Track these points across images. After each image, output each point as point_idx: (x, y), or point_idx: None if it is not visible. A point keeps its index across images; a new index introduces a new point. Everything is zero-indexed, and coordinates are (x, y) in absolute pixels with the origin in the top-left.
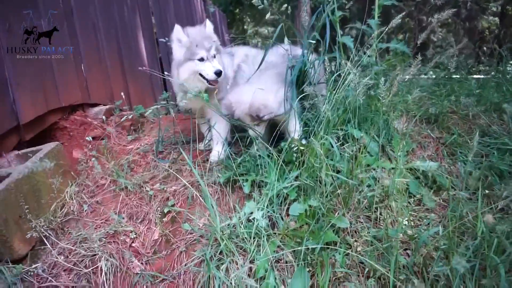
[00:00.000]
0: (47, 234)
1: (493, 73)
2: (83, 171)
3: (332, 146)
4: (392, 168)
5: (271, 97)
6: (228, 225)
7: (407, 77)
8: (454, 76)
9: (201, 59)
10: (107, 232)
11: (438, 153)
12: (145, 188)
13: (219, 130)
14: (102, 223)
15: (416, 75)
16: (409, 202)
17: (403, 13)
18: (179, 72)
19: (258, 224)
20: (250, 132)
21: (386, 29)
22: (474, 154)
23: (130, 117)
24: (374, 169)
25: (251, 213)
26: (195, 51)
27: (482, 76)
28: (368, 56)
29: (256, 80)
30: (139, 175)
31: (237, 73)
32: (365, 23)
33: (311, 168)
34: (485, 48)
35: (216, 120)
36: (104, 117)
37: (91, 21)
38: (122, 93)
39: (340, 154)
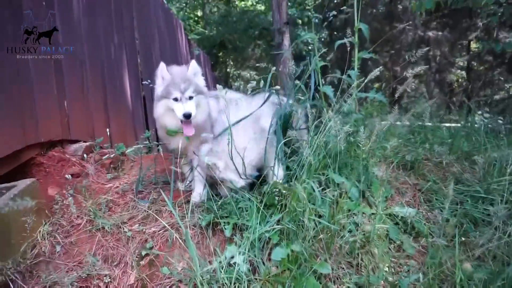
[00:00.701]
0: (14, 278)
1: (462, 122)
2: (58, 209)
3: (314, 191)
4: (372, 214)
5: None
6: (208, 270)
7: (385, 123)
8: (427, 124)
9: (175, 99)
10: (80, 276)
11: (416, 199)
12: (123, 228)
13: (201, 171)
14: (75, 265)
15: (392, 123)
16: (389, 248)
17: (380, 68)
18: (156, 107)
19: (239, 269)
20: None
21: (365, 81)
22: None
23: (111, 156)
24: (355, 214)
25: (232, 257)
26: (170, 90)
27: (453, 124)
28: (348, 104)
29: (235, 133)
30: (117, 215)
31: (216, 122)
32: (345, 73)
33: (293, 212)
34: (454, 99)
35: (198, 161)
36: (84, 154)
37: (78, 58)
38: (107, 130)
39: (322, 198)
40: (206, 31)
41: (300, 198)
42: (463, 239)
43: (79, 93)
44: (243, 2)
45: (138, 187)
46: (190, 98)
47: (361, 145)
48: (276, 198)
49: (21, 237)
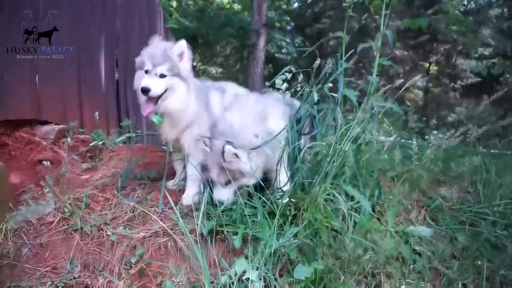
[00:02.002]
0: None
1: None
2: (24, 202)
3: (333, 202)
4: (384, 231)
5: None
6: (216, 284)
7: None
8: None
9: (146, 72)
10: (55, 284)
11: (420, 217)
12: (106, 231)
13: (197, 168)
14: (47, 271)
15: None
16: (404, 268)
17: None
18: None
19: (253, 286)
20: (215, 194)
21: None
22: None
23: (98, 144)
24: (370, 231)
25: (244, 272)
26: (144, 61)
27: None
28: (366, 113)
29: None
30: (97, 214)
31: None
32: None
33: (311, 225)
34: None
35: (193, 155)
36: (57, 138)
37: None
38: (96, 114)
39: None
40: (183, 21)
41: (321, 210)
42: (474, 261)
43: (52, 68)
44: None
45: (124, 183)
46: (162, 76)
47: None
48: (288, 208)
49: None
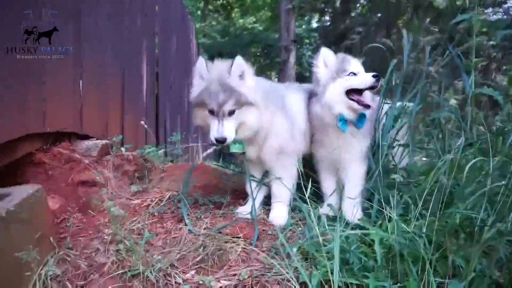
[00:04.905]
0: None
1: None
2: (67, 236)
3: None
4: None
5: None
6: None
7: None
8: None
9: (211, 112)
10: None
11: None
12: (175, 277)
13: (287, 184)
14: None
15: None
16: None
17: None
18: (193, 114)
19: None
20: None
21: None
22: None
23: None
24: None
25: None
26: (205, 99)
27: None
28: None
29: None
30: (159, 252)
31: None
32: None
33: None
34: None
35: (282, 172)
36: (100, 156)
37: (100, 38)
38: (142, 121)
39: None
40: (214, 36)
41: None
42: None
43: (97, 76)
44: (241, 20)
45: (185, 210)
46: (231, 113)
47: None
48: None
49: (11, 284)
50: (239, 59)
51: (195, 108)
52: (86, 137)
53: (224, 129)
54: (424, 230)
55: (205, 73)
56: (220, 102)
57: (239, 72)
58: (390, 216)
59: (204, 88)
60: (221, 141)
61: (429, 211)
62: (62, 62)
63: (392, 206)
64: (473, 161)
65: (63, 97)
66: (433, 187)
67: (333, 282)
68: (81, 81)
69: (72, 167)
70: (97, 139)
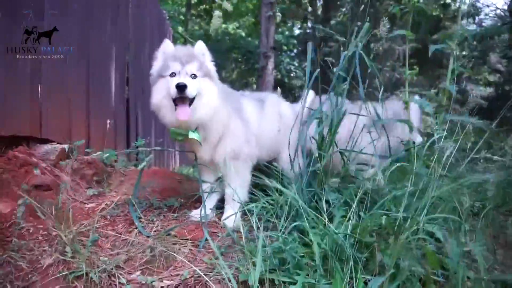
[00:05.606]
0: None
1: None
2: (12, 238)
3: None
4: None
5: None
6: None
7: None
8: None
9: (173, 74)
10: None
11: None
12: (119, 277)
13: (238, 189)
14: None
15: None
16: None
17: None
18: (152, 93)
19: None
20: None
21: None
22: None
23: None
24: None
25: None
26: (168, 64)
27: None
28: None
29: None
30: (106, 254)
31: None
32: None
33: (397, 274)
34: None
35: (234, 175)
36: (59, 160)
37: (65, 39)
38: (108, 121)
39: None
40: (192, 42)
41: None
42: None
43: (58, 79)
44: (224, 25)
45: (135, 213)
46: (193, 76)
47: None
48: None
49: None
50: (201, 42)
51: (156, 83)
52: (48, 141)
53: (186, 80)
54: (349, 230)
55: (169, 48)
56: (184, 61)
57: (202, 51)
58: (331, 217)
59: (168, 55)
60: (182, 85)
61: (363, 213)
62: (18, 62)
63: (325, 208)
64: (395, 166)
65: (19, 100)
66: (367, 190)
67: (267, 280)
68: (39, 84)
69: (27, 170)
70: (57, 144)
